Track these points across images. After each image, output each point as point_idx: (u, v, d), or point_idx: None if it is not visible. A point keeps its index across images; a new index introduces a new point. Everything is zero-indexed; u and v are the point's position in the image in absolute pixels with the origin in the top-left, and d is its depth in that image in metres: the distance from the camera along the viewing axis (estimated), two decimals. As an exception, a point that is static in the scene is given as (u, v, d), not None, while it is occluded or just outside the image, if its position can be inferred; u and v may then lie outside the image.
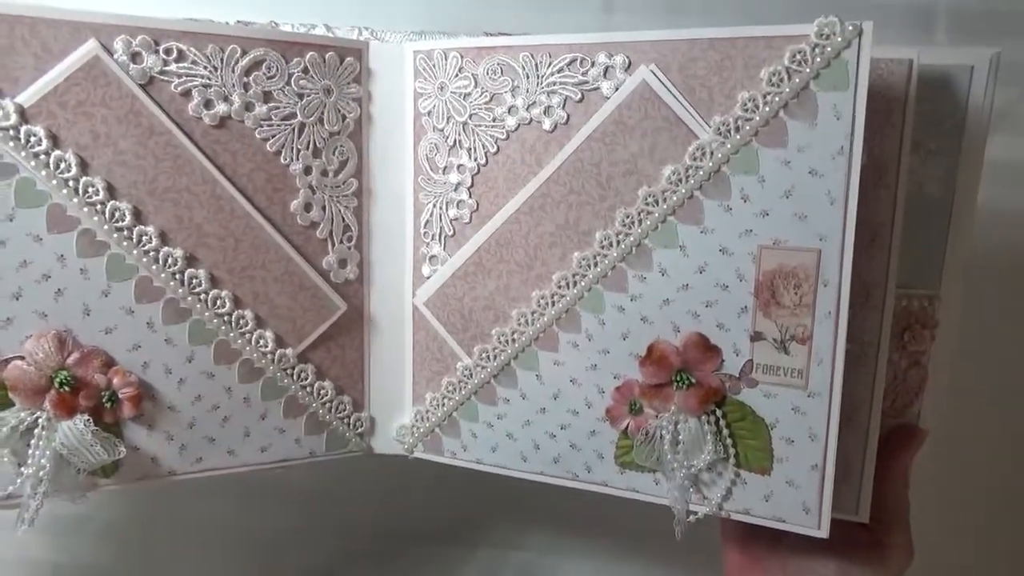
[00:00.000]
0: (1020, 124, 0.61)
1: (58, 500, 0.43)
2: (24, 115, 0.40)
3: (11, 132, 0.40)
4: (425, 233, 0.46)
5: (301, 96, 0.45)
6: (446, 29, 0.48)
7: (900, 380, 0.46)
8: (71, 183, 0.41)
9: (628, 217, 0.41)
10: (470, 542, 0.66)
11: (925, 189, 0.45)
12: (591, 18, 0.63)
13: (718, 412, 0.41)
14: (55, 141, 0.41)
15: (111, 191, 0.42)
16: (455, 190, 0.45)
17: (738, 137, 0.39)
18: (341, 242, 0.47)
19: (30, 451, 0.42)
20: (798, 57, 0.37)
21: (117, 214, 0.42)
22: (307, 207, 0.46)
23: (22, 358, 0.42)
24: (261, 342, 0.46)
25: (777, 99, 0.38)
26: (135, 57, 0.42)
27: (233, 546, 0.66)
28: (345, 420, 0.48)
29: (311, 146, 0.45)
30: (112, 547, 0.65)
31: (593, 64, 0.41)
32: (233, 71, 0.43)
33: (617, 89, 0.41)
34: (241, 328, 0.45)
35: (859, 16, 0.37)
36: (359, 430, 0.49)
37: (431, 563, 0.66)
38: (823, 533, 0.40)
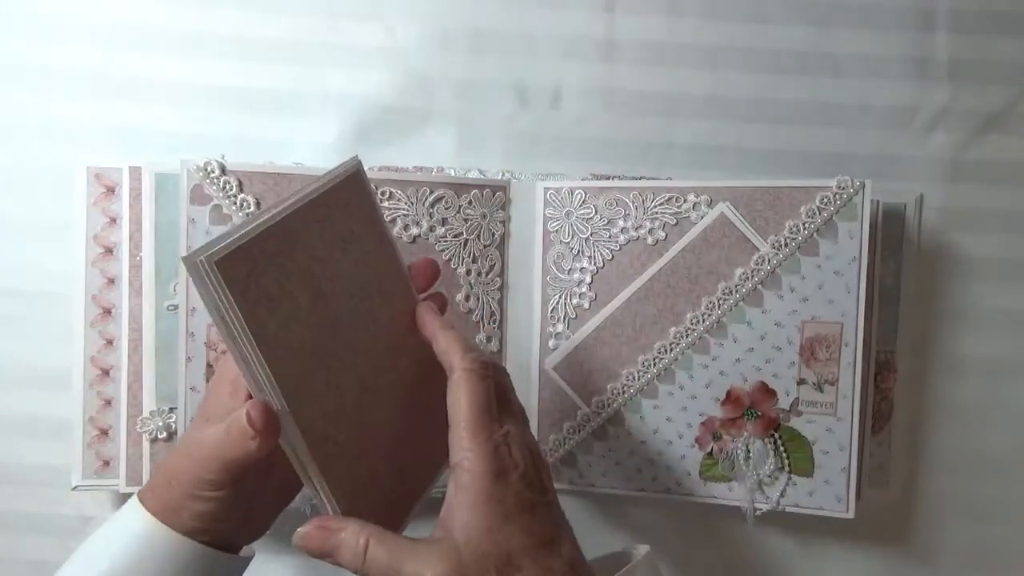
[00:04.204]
0: (1020, 124, 0.66)
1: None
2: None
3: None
4: (552, 316, 0.63)
5: (466, 220, 0.61)
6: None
7: (876, 408, 0.63)
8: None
9: (711, 303, 0.60)
10: None
11: (884, 281, 0.64)
12: (592, 17, 0.65)
13: (776, 435, 0.60)
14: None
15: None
16: (578, 285, 0.62)
17: (786, 250, 0.59)
18: (489, 323, 0.63)
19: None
20: (825, 200, 0.58)
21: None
22: (467, 298, 0.62)
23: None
24: (433, 401, 0.61)
25: (811, 226, 0.58)
26: (365, 194, 0.57)
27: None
28: (487, 459, 0.64)
29: (472, 255, 0.62)
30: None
31: (685, 200, 0.60)
32: (423, 204, 0.60)
33: (702, 217, 0.60)
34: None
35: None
36: (496, 467, 0.64)
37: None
38: (851, 515, 0.59)
